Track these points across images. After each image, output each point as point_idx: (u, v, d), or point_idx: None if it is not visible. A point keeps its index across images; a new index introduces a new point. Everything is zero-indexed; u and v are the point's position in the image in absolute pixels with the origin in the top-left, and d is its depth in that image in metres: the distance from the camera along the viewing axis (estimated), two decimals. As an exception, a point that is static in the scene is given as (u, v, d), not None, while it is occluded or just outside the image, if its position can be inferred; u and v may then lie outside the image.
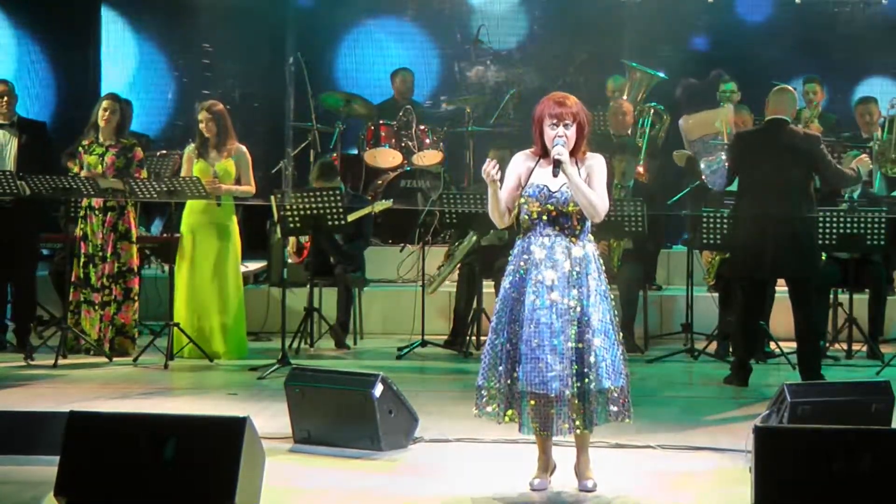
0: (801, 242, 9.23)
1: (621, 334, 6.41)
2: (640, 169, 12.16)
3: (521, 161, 6.42)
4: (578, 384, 6.20)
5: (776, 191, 9.17)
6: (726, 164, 9.85)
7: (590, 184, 6.31)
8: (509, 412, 6.30)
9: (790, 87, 9.63)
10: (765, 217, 9.16)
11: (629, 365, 6.43)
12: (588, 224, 6.38)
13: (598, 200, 6.28)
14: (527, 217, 6.36)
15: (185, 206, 10.51)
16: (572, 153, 6.31)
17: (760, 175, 9.24)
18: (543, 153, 6.34)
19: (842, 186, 10.14)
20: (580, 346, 6.22)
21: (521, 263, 6.33)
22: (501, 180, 6.32)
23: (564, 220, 6.32)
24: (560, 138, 6.24)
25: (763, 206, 9.19)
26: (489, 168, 6.20)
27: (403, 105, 13.37)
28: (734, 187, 9.73)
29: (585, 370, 6.20)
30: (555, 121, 6.27)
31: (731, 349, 10.17)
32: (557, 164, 6.21)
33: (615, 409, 6.26)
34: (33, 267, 11.04)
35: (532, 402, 6.21)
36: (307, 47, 13.51)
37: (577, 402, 6.20)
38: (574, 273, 6.27)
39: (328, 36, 14.50)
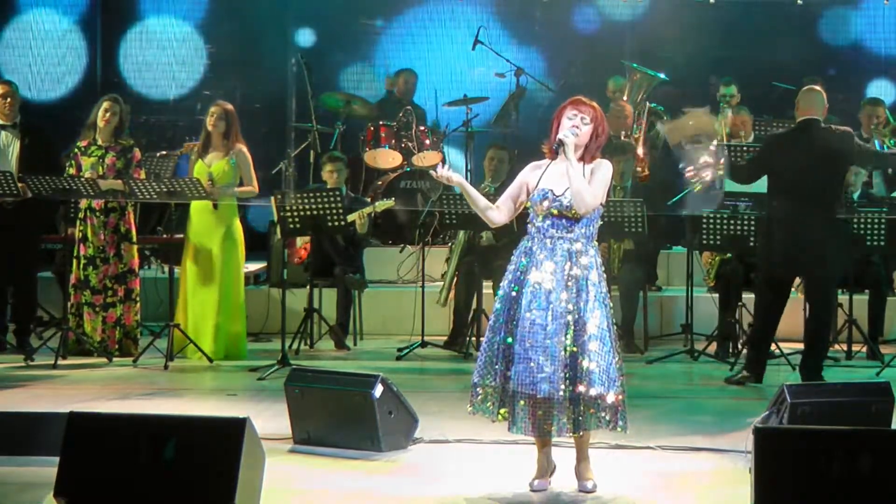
0: (828, 243, 9.17)
1: (619, 344, 6.43)
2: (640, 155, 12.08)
3: (529, 170, 6.50)
4: (571, 388, 6.20)
5: (808, 191, 9.11)
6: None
7: (589, 181, 6.34)
8: (502, 411, 6.33)
9: (818, 87, 9.58)
10: (796, 218, 9.11)
11: (627, 373, 6.44)
12: (592, 230, 6.40)
13: (587, 189, 6.31)
14: (531, 220, 6.41)
15: (190, 208, 10.50)
16: (582, 157, 6.36)
17: (793, 176, 9.15)
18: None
19: (881, 165, 10.14)
20: (575, 349, 6.23)
21: (522, 264, 6.35)
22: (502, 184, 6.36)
23: (568, 223, 6.34)
24: (575, 128, 6.35)
25: (795, 207, 9.13)
26: (440, 172, 6.37)
27: (403, 106, 13.36)
28: (736, 188, 9.71)
29: (579, 374, 6.21)
30: (575, 111, 6.40)
31: (737, 347, 10.28)
32: (560, 144, 6.29)
33: (607, 416, 6.25)
34: (34, 268, 11.02)
35: (522, 403, 6.23)
36: (308, 48, 13.51)
37: (568, 404, 6.21)
38: (573, 277, 6.28)
39: (329, 37, 14.49)
